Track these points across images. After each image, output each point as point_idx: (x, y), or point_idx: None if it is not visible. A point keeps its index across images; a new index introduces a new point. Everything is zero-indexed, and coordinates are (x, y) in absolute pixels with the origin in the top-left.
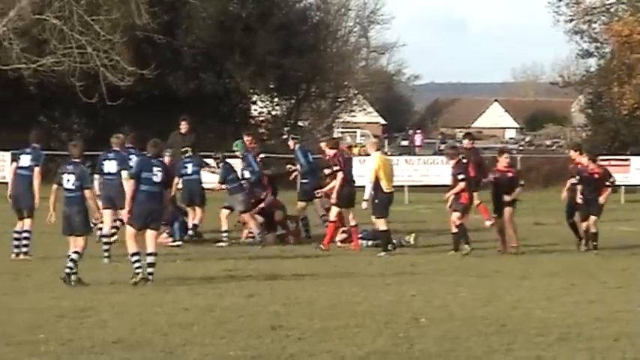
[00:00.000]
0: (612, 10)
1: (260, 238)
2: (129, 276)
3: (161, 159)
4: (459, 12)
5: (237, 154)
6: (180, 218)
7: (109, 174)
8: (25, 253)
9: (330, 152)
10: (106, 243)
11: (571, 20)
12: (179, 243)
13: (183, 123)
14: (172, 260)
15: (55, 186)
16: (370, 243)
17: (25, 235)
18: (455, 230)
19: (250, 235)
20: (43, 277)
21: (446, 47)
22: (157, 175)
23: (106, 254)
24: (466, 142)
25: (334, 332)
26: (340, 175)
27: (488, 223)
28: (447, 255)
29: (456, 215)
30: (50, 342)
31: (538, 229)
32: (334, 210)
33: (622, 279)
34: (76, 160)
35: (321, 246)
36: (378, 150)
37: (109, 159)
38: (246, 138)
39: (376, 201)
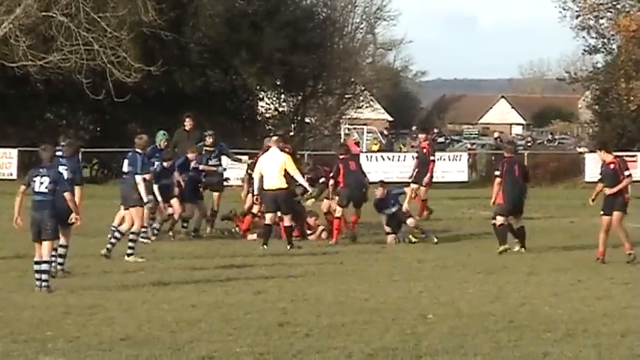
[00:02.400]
0: (619, 5)
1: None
2: (136, 274)
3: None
4: (468, 8)
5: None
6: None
7: (123, 173)
8: None
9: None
10: (131, 240)
11: (578, 16)
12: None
13: (187, 120)
14: (180, 257)
15: (22, 187)
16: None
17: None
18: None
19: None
20: None
21: (453, 44)
22: (43, 184)
23: (130, 251)
24: (422, 137)
25: (342, 329)
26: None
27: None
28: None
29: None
30: (57, 339)
31: (546, 225)
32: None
33: (629, 275)
34: (50, 164)
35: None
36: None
37: (126, 158)
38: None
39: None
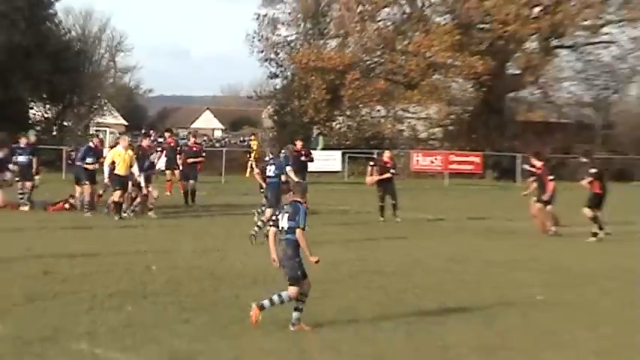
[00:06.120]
0: (292, 44)
1: None
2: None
3: None
4: (184, 44)
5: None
6: None
7: None
8: None
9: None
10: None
11: (261, 51)
12: None
13: None
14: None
15: None
16: None
17: None
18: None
19: None
20: None
21: (172, 69)
22: None
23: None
24: (167, 135)
25: (90, 276)
26: None
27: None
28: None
29: None
30: None
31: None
32: None
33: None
34: None
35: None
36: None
37: None
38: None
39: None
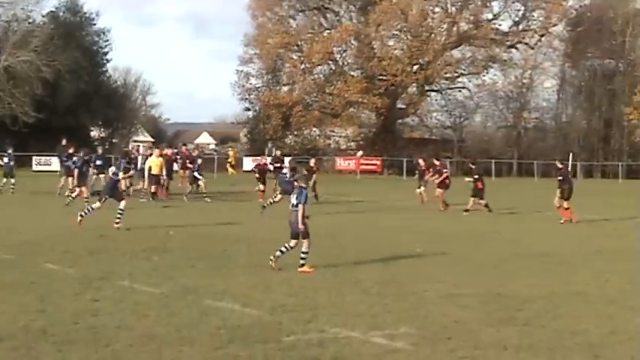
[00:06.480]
0: (259, 89)
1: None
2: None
3: None
4: (188, 88)
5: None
6: None
7: None
8: None
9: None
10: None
11: (240, 94)
12: None
13: (64, 141)
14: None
15: None
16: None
17: None
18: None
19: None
20: None
21: (183, 105)
22: None
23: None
24: (184, 148)
25: (129, 238)
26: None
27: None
28: None
29: None
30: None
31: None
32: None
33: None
34: None
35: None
36: (152, 155)
37: None
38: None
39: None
